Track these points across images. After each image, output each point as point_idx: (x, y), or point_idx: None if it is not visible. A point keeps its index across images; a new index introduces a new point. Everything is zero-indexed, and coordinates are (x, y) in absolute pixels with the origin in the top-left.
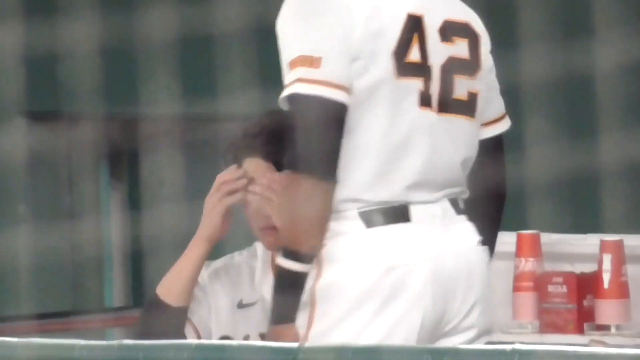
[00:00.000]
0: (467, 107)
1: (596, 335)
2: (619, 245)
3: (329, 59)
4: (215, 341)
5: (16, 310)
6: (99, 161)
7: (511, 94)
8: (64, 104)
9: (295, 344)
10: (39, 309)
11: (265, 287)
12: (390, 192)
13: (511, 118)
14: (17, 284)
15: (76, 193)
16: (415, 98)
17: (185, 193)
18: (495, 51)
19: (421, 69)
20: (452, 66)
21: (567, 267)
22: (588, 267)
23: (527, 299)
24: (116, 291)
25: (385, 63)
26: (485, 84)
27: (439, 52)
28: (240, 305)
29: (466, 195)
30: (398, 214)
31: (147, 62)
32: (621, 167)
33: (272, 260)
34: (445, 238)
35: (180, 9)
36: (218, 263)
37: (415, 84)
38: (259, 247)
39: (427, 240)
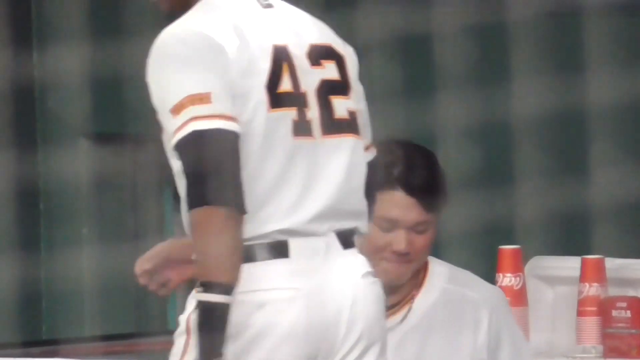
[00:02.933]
0: (351, 125)
1: None
2: None
3: (217, 93)
4: None
5: (80, 332)
6: (163, 183)
7: (576, 118)
8: (129, 126)
9: None
10: (103, 330)
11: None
12: (267, 227)
13: (576, 142)
14: (81, 306)
15: (140, 215)
16: (288, 128)
17: None
18: (561, 75)
19: (294, 98)
20: (326, 88)
21: (631, 292)
22: None
23: (591, 324)
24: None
25: (259, 97)
26: (359, 105)
27: (310, 77)
28: None
29: (364, 229)
30: (275, 249)
31: None
32: None
33: None
34: (326, 273)
35: None
36: None
37: (288, 114)
38: None
39: (303, 276)
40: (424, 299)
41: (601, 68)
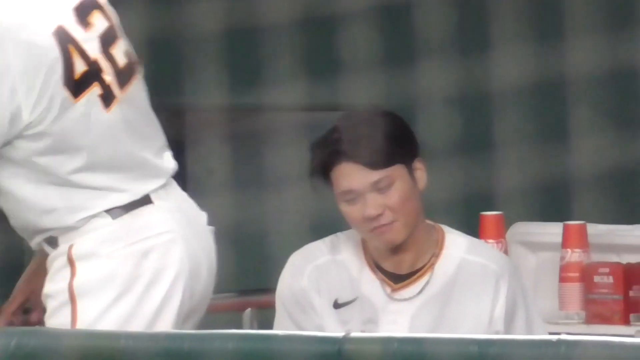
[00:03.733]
0: (132, 66)
1: None
2: None
3: None
4: (260, 331)
5: None
6: None
7: (557, 85)
8: None
9: (341, 334)
10: None
11: (364, 284)
12: (129, 194)
13: (557, 109)
14: None
15: None
16: (99, 106)
17: (231, 184)
18: (542, 42)
19: (91, 74)
20: (104, 44)
21: (613, 258)
22: (634, 258)
23: (574, 290)
24: None
25: (61, 98)
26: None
27: (91, 43)
28: (337, 305)
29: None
30: (139, 201)
31: (195, 53)
32: None
33: (365, 255)
34: (184, 217)
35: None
36: (307, 265)
37: (92, 93)
38: (343, 242)
39: (172, 219)
40: (443, 269)
41: (582, 35)
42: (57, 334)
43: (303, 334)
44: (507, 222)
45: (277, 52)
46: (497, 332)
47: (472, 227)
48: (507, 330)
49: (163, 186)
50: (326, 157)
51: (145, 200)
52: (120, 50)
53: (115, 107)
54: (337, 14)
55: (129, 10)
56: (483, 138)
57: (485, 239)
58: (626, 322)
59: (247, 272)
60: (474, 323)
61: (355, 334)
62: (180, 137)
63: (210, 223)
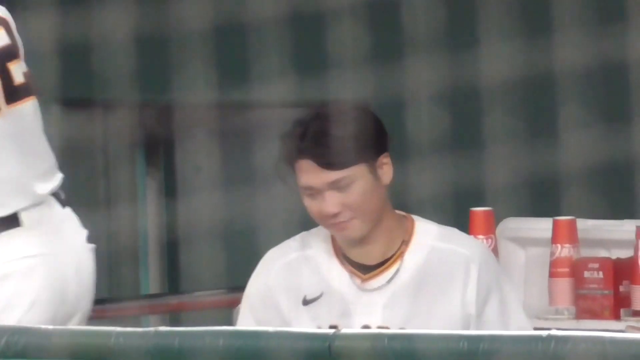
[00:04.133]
0: (28, 88)
1: (632, 321)
2: None
3: None
4: (251, 327)
5: None
6: (135, 149)
7: (546, 80)
8: (99, 92)
9: (331, 330)
10: None
11: (333, 278)
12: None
13: (546, 105)
14: None
15: (112, 181)
16: None
17: (220, 180)
18: (530, 38)
19: None
20: (2, 57)
21: (603, 253)
22: (624, 253)
23: (564, 285)
24: (152, 278)
25: None
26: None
27: None
28: (305, 302)
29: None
30: (8, 222)
31: (183, 50)
32: None
33: (334, 248)
34: (56, 237)
35: None
36: (276, 262)
37: None
38: (313, 237)
39: (38, 243)
40: (413, 257)
41: (571, 30)
42: (48, 333)
43: (293, 331)
44: (496, 218)
45: (265, 49)
46: (469, 316)
47: (461, 223)
48: (480, 315)
49: (36, 205)
50: (289, 150)
51: (14, 220)
52: (19, 70)
53: (1, 118)
54: (325, 10)
55: (117, 9)
56: (472, 134)
57: (475, 235)
58: (616, 317)
59: (236, 269)
60: (447, 309)
61: (345, 330)
62: (169, 134)
63: (90, 240)
